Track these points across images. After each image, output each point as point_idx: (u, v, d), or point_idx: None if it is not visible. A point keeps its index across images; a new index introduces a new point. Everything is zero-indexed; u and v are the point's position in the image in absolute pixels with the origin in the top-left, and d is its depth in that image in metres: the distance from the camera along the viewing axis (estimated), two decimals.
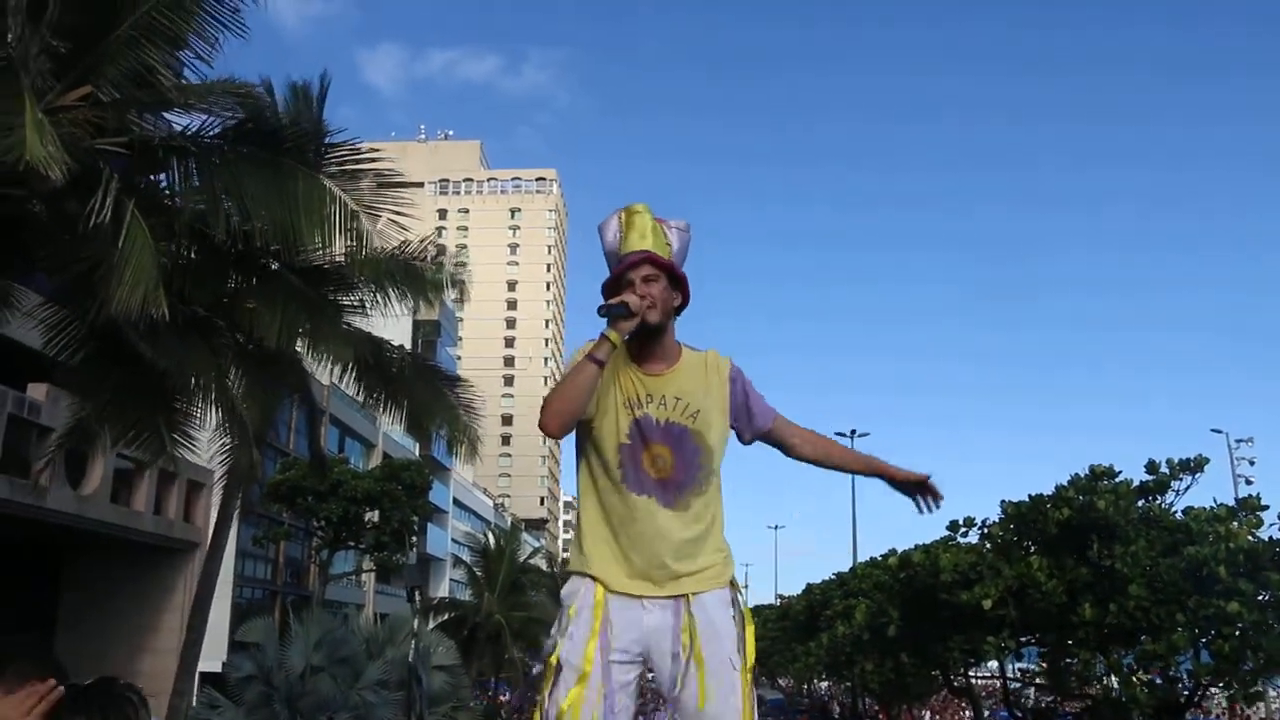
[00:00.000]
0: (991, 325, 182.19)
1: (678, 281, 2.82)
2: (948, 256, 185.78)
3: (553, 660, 2.70)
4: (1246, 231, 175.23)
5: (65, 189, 6.32)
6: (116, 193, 6.64)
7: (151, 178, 8.56)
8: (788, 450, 2.96)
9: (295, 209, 7.81)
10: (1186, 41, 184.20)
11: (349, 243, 8.50)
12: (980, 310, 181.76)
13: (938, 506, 2.98)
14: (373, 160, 8.77)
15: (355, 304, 11.30)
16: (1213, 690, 13.58)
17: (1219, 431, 37.32)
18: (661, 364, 2.80)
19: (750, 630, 2.78)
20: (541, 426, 2.72)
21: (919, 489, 2.96)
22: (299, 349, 10.92)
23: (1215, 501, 12.93)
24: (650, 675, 2.82)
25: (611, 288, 2.80)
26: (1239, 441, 36.89)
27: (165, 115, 8.46)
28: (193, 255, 9.01)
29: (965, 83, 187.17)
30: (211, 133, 8.17)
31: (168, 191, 8.43)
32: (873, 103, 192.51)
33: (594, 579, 2.73)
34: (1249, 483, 35.40)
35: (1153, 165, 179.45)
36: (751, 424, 2.90)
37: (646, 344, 2.79)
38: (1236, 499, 12.96)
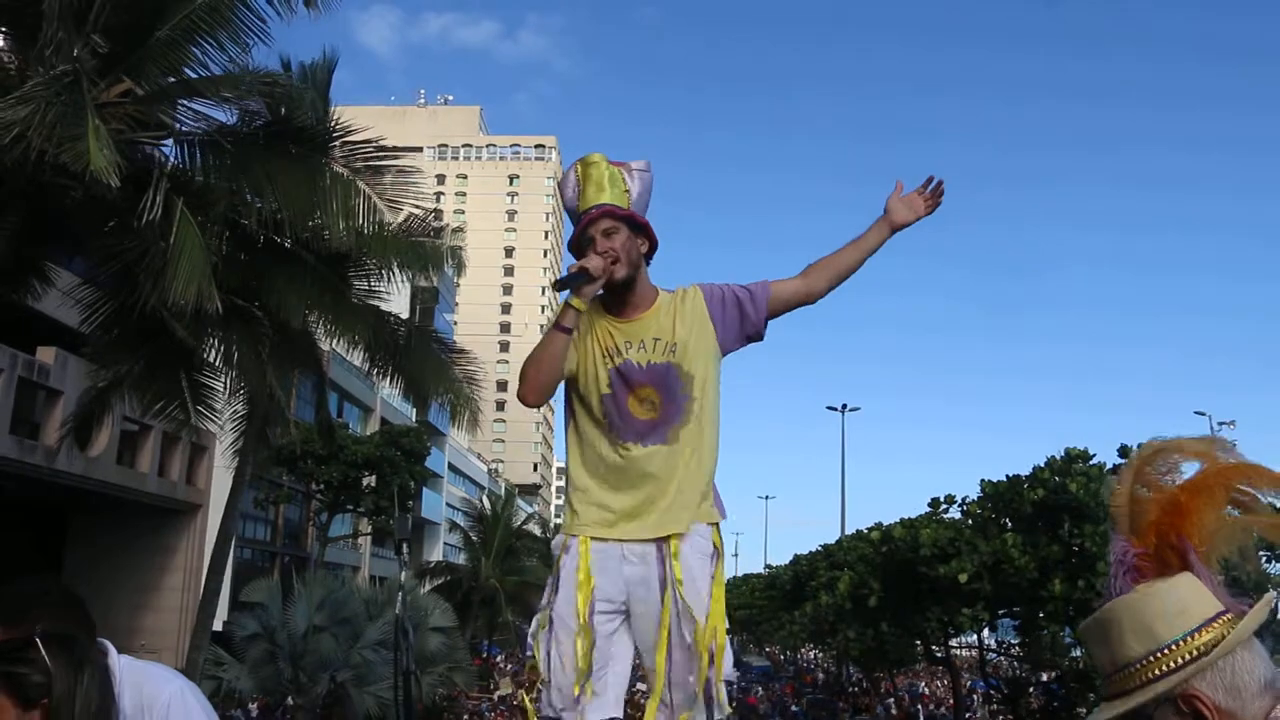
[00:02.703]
0: (983, 304, 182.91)
1: (641, 228, 2.78)
2: (939, 233, 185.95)
3: (543, 616, 2.73)
4: (1237, 216, 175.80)
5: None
6: (166, 191, 7.13)
7: (190, 170, 9.06)
8: (804, 302, 2.84)
9: (324, 201, 8.34)
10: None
11: (371, 230, 9.06)
12: (971, 288, 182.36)
13: (939, 191, 2.90)
14: (395, 156, 9.33)
15: (368, 284, 11.82)
16: None
17: (1202, 414, 37.89)
18: (636, 310, 2.78)
19: (722, 582, 2.77)
20: (520, 397, 2.77)
21: (927, 196, 2.88)
22: (315, 325, 11.45)
23: None
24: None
25: (576, 247, 2.78)
26: (1221, 424, 37.39)
27: (198, 107, 8.94)
28: (224, 242, 9.52)
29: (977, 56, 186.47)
30: (245, 130, 8.67)
31: (201, 181, 8.89)
32: (877, 73, 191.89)
33: (580, 533, 2.75)
34: None
35: (1135, 145, 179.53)
36: (756, 312, 2.80)
37: (620, 294, 2.76)
38: None
